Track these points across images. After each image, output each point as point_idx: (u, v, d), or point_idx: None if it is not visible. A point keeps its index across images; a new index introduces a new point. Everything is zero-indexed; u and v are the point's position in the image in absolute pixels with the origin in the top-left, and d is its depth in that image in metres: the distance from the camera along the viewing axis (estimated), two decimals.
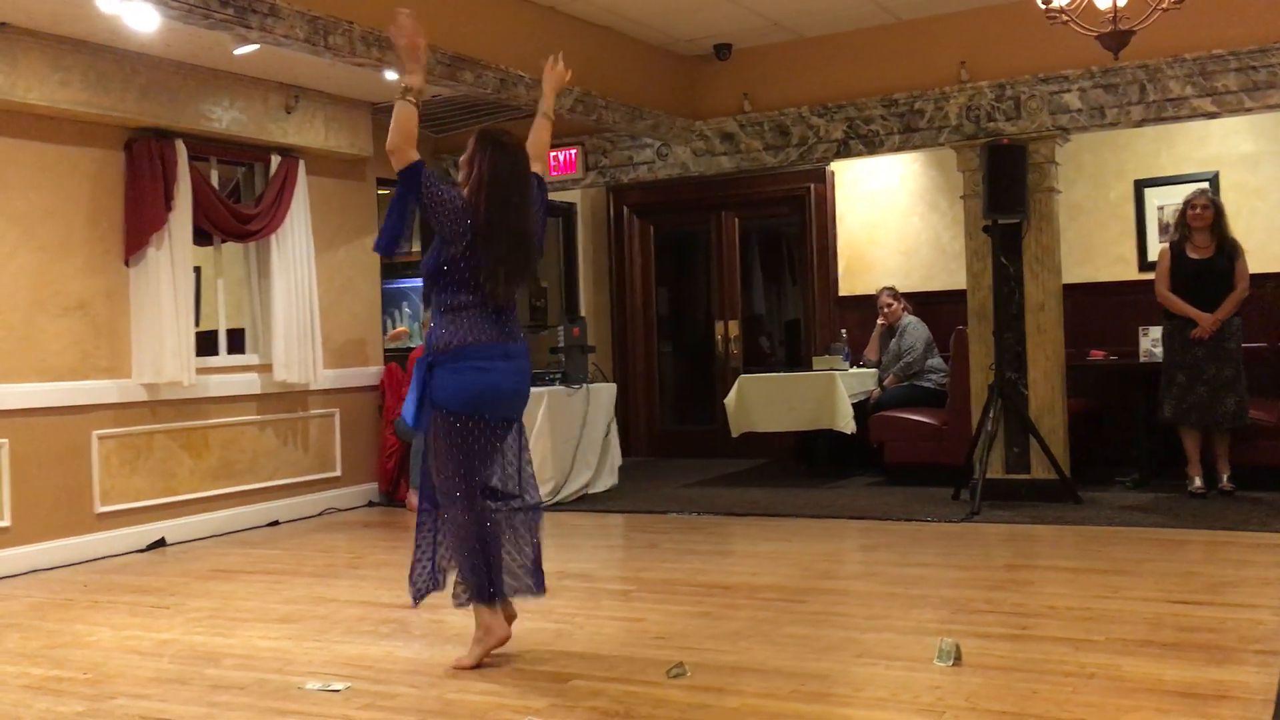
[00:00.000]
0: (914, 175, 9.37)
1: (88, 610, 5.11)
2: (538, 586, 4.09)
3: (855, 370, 8.68)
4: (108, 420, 6.56)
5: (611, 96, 7.40)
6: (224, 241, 7.37)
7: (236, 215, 7.24)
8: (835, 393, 8.07)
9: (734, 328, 10.26)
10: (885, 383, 8.59)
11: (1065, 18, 5.56)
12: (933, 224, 9.28)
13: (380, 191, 8.42)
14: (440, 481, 3.96)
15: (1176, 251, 7.07)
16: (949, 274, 9.00)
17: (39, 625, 4.86)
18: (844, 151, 7.92)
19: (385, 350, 8.60)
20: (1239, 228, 7.34)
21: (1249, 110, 6.85)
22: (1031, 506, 6.83)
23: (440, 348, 3.90)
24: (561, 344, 8.02)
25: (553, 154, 8.74)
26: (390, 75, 6.26)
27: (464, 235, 3.86)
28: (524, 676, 3.81)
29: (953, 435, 7.68)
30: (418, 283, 9.24)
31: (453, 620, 4.40)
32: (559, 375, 7.90)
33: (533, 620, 4.34)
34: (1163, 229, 8.22)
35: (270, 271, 7.49)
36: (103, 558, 6.39)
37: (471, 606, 3.99)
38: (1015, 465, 7.20)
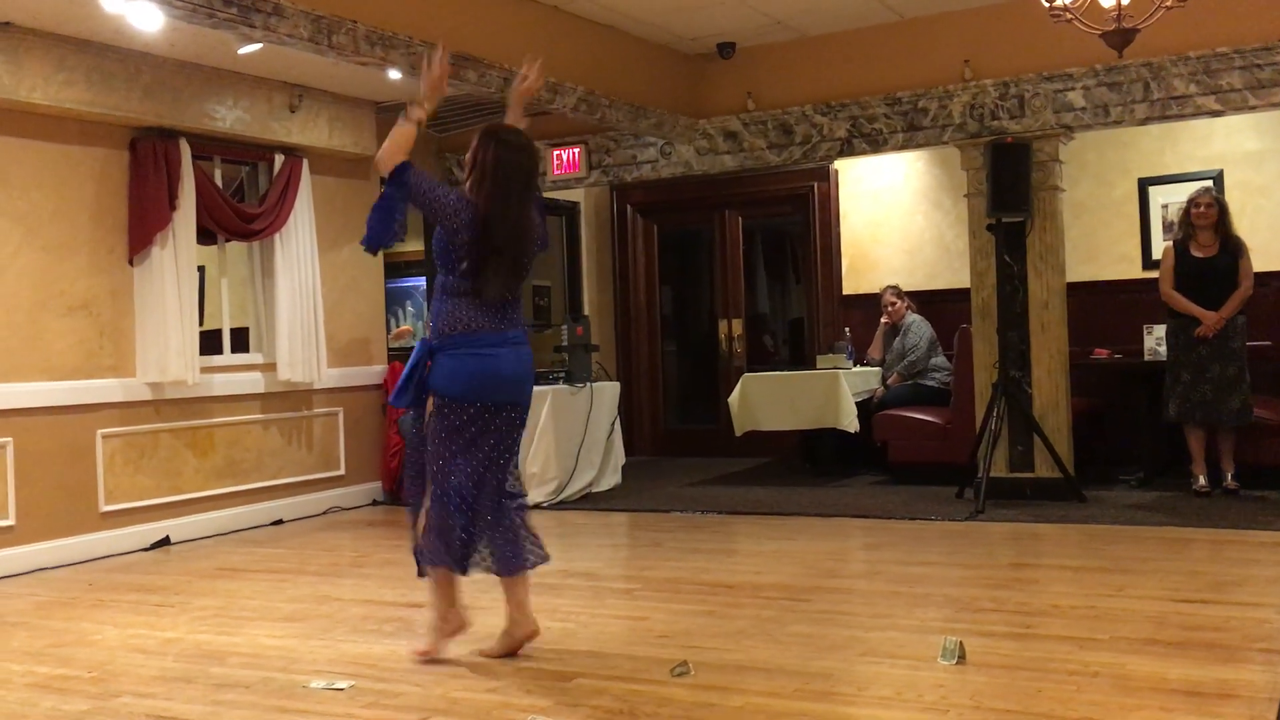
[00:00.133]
0: (917, 174, 9.36)
1: (92, 609, 5.12)
2: (507, 569, 3.99)
3: (859, 369, 8.68)
4: (112, 419, 6.57)
5: (615, 95, 7.40)
6: (228, 241, 7.37)
7: (240, 214, 7.25)
8: (839, 391, 8.07)
9: (738, 326, 10.25)
10: (889, 381, 8.59)
11: (1069, 16, 5.54)
12: (936, 222, 9.27)
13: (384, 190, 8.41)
14: (434, 470, 3.97)
15: (1180, 250, 7.06)
16: (953, 272, 8.99)
17: (44, 624, 4.87)
18: (847, 150, 7.91)
19: (389, 349, 8.61)
20: (1243, 226, 7.33)
21: (1253, 108, 6.85)
22: (1035, 505, 6.82)
23: (443, 333, 3.95)
24: (565, 343, 8.01)
25: (556, 153, 8.75)
26: (394, 74, 6.27)
27: (465, 228, 3.88)
28: (528, 675, 3.81)
29: (956, 434, 7.68)
30: (421, 281, 9.28)
31: None
32: (562, 374, 7.89)
33: (537, 619, 4.33)
34: (1167, 227, 8.22)
35: (274, 271, 7.50)
36: (107, 556, 6.40)
37: (430, 587, 4.06)
38: (1019, 464, 7.19)
